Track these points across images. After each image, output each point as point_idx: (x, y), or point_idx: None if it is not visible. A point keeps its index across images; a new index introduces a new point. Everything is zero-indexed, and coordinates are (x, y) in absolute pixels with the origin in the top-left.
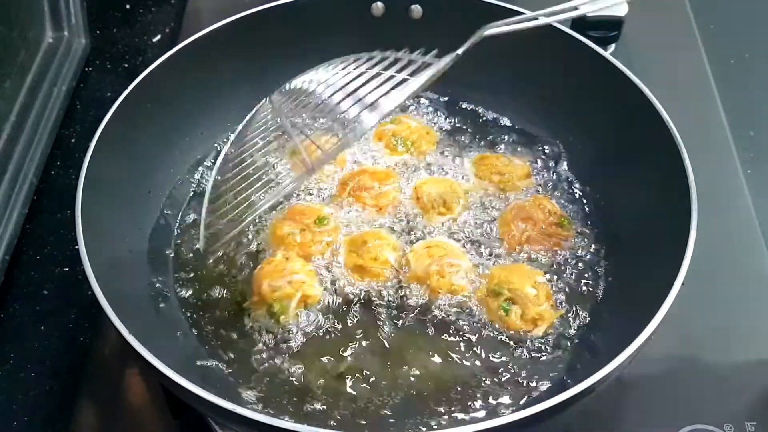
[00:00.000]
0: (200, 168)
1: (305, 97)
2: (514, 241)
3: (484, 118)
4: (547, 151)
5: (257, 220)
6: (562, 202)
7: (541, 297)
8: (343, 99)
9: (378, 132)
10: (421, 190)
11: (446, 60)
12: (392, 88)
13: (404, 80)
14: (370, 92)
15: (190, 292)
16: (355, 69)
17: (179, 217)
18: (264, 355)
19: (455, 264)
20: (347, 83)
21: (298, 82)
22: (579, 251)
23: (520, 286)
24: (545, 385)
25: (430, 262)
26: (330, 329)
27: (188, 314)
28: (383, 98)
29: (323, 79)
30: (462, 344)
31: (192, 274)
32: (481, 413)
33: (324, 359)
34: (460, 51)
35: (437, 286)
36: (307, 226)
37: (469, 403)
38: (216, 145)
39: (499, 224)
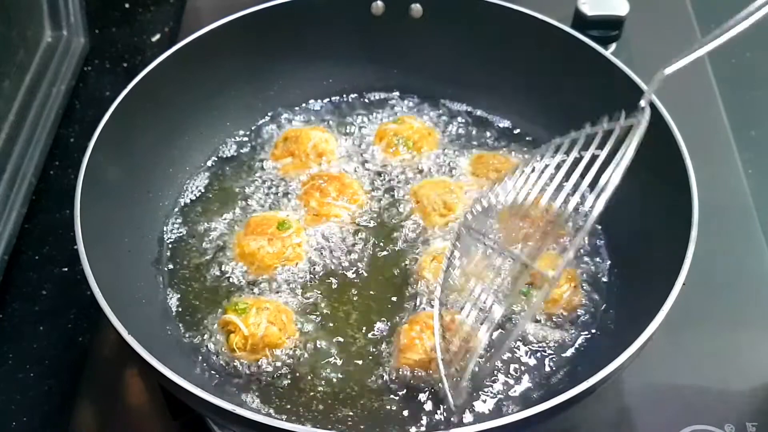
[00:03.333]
0: (199, 168)
1: (508, 209)
2: (510, 239)
3: (484, 118)
4: None
5: (221, 244)
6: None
7: (561, 279)
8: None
9: (380, 132)
10: (420, 194)
11: (646, 117)
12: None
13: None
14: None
15: (189, 292)
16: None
17: (179, 218)
18: (264, 356)
19: None
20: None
21: (490, 199)
22: (579, 251)
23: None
24: (546, 385)
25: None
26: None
27: (187, 314)
28: (604, 176)
29: (518, 186)
30: None
31: (190, 275)
32: (482, 413)
33: (324, 358)
34: (643, 103)
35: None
36: (272, 234)
37: (470, 403)
38: (215, 145)
39: (497, 222)
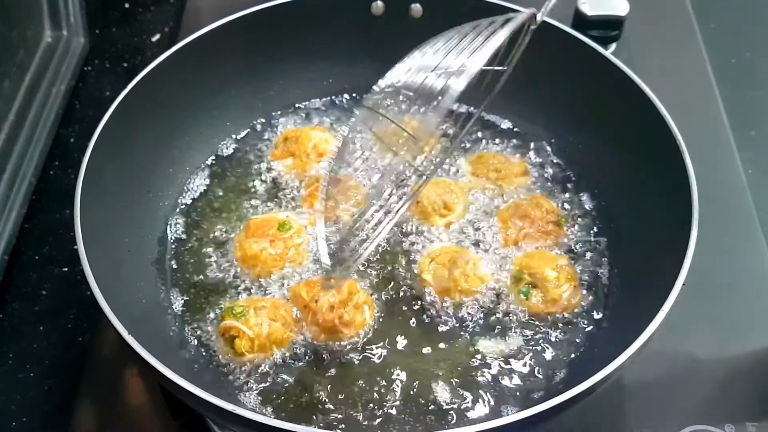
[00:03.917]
0: (199, 168)
1: (392, 91)
2: (510, 239)
3: (484, 118)
4: (547, 151)
5: (222, 244)
6: (562, 201)
7: (561, 279)
8: (427, 77)
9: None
10: (420, 194)
11: (523, 16)
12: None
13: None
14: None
15: (189, 292)
16: (433, 50)
17: (179, 218)
18: (272, 353)
19: (469, 259)
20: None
21: (380, 83)
22: (579, 251)
23: (540, 270)
24: (546, 385)
25: (448, 271)
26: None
27: (187, 315)
28: (469, 59)
29: (404, 70)
30: (462, 346)
31: (190, 275)
32: (482, 414)
33: (326, 358)
34: (539, 16)
35: (470, 286)
36: (274, 236)
37: (470, 403)
38: (215, 145)
39: (497, 221)
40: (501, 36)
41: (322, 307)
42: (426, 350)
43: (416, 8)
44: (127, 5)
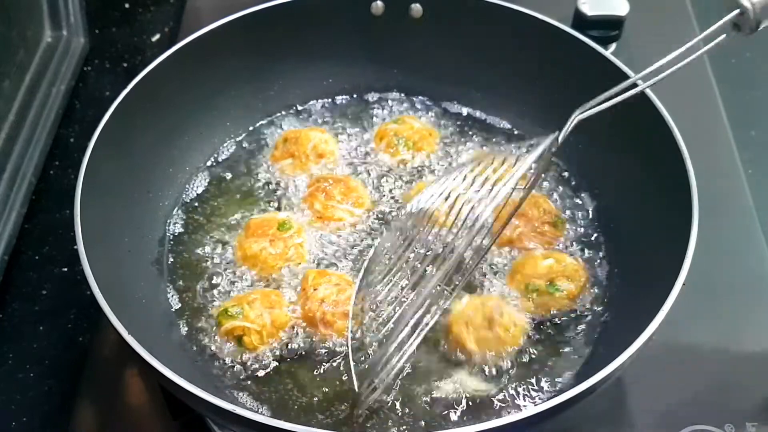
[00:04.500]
0: (199, 169)
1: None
2: (504, 238)
3: (484, 119)
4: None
5: (222, 244)
6: (562, 201)
7: (560, 279)
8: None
9: (380, 132)
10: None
11: (546, 143)
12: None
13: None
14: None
15: (189, 292)
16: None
17: (178, 218)
18: (263, 357)
19: (500, 309)
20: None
21: (409, 209)
22: (579, 252)
23: (539, 271)
24: (546, 386)
25: (491, 332)
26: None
27: (187, 314)
28: (497, 187)
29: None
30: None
31: (190, 275)
32: (482, 413)
33: (325, 358)
34: (560, 136)
35: (515, 338)
36: (274, 235)
37: (469, 402)
38: (215, 145)
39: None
40: (525, 164)
41: (315, 296)
42: (426, 349)
43: (416, 8)
44: (127, 5)
